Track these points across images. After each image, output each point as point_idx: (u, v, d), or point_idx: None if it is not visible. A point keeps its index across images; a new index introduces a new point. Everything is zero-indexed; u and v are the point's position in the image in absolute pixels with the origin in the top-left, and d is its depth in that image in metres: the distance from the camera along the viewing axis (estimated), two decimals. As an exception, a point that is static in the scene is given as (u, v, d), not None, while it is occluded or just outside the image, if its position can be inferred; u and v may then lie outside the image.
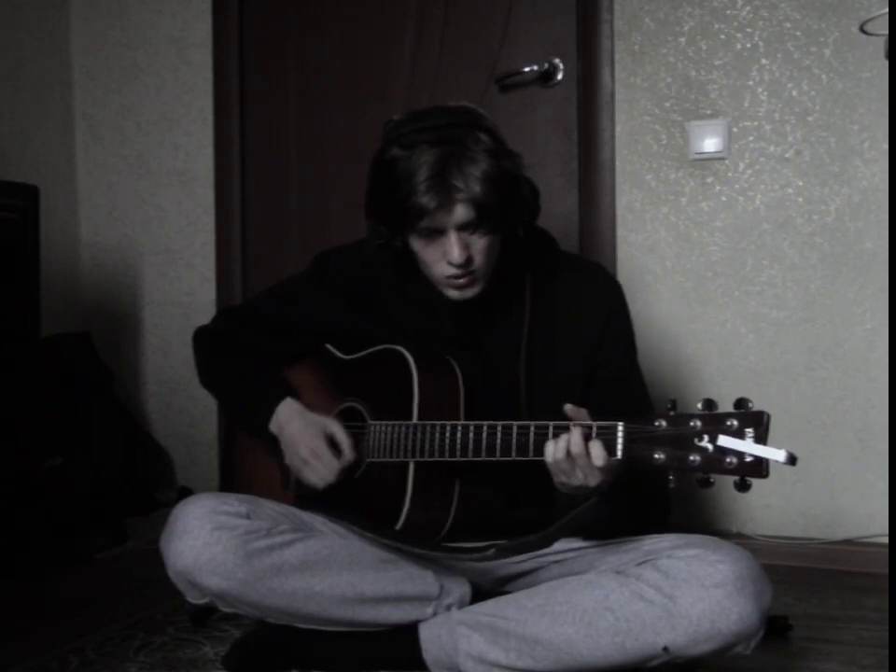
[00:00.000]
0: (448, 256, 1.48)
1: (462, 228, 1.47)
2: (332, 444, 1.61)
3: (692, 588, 1.37)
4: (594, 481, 1.34)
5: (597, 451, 1.31)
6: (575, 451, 1.32)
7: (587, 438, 1.32)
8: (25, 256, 2.28)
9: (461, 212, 1.45)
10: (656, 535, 1.51)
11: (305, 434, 1.62)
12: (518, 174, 1.51)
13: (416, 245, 1.51)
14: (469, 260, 1.48)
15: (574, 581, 1.47)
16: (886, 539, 2.17)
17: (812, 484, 2.31)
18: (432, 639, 1.50)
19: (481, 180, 1.43)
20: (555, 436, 1.35)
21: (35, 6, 2.85)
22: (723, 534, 2.27)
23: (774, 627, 1.69)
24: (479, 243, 1.49)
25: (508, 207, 1.48)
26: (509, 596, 1.52)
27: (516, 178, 1.51)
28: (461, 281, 1.51)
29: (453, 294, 1.54)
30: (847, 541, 2.27)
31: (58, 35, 2.93)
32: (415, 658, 1.51)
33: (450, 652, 1.48)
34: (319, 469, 1.60)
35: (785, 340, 2.33)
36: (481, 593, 1.57)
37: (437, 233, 1.48)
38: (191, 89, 2.86)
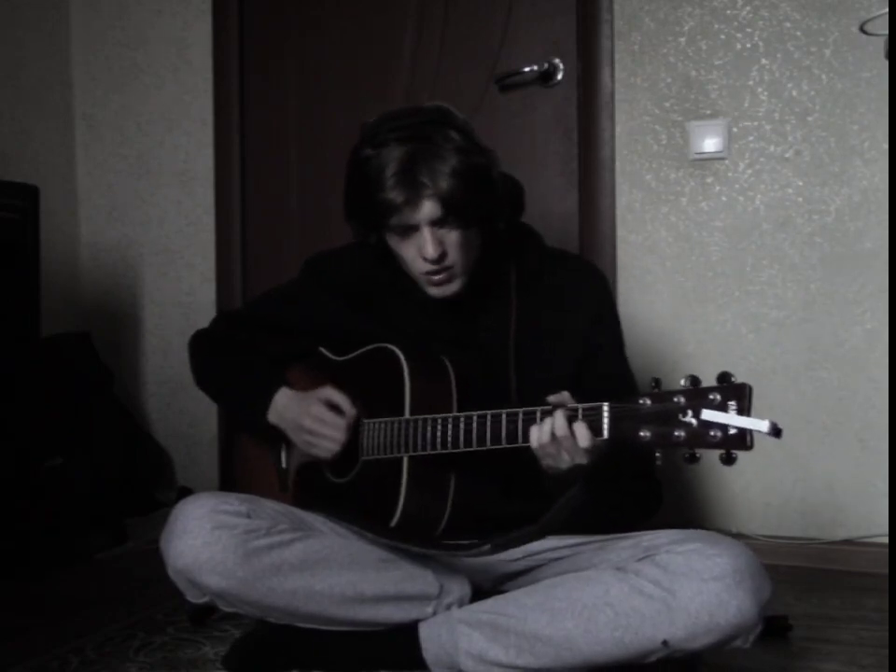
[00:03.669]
0: (422, 251, 1.50)
1: (434, 223, 1.48)
2: (332, 408, 1.62)
3: (690, 582, 1.37)
4: (581, 459, 1.35)
5: (582, 431, 1.32)
6: (560, 433, 1.34)
7: (571, 420, 1.34)
8: (25, 256, 2.28)
9: (429, 207, 1.47)
10: (654, 530, 1.51)
11: (303, 407, 1.63)
12: (491, 168, 1.53)
13: (392, 242, 1.54)
14: (443, 256, 1.50)
15: (573, 578, 1.47)
16: (886, 539, 2.17)
17: (812, 484, 2.31)
18: (432, 638, 1.50)
19: (448, 175, 1.45)
20: (541, 421, 1.36)
21: (35, 6, 2.85)
22: (723, 533, 2.25)
23: (774, 627, 1.69)
24: (451, 237, 1.50)
25: (478, 202, 1.50)
26: (508, 594, 1.52)
27: (488, 173, 1.52)
28: (438, 277, 1.53)
29: (433, 291, 1.55)
30: (847, 541, 2.27)
31: (58, 35, 2.93)
32: (415, 657, 1.51)
33: (450, 651, 1.48)
34: (327, 433, 1.60)
35: (785, 340, 2.33)
36: (481, 592, 1.57)
37: (411, 230, 1.50)
38: (191, 89, 2.86)
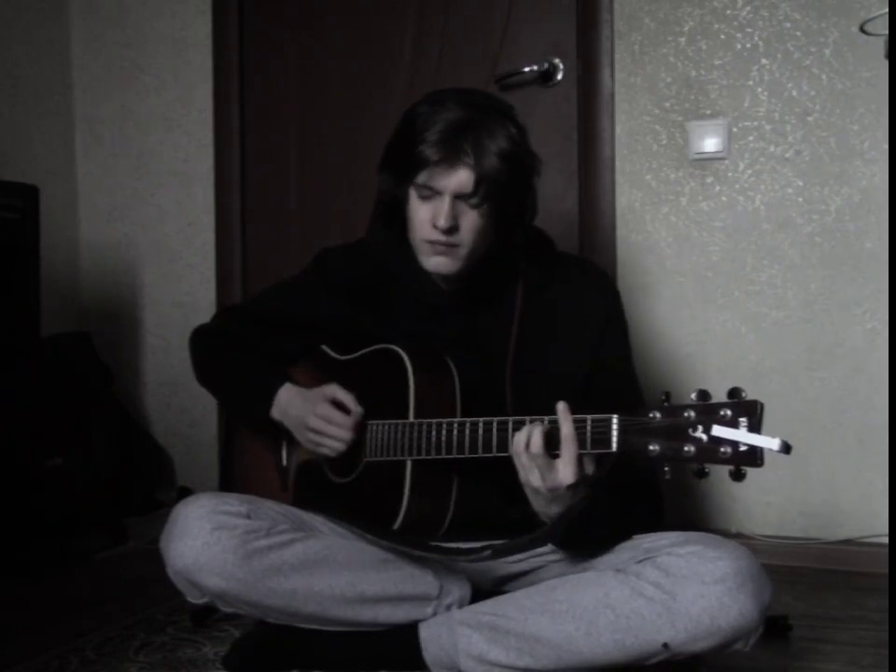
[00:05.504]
0: (435, 219, 1.49)
1: (459, 196, 1.48)
2: (337, 405, 1.61)
3: (691, 585, 1.37)
4: (549, 485, 1.34)
5: (567, 471, 1.32)
6: (533, 450, 1.34)
7: (548, 438, 1.33)
8: (25, 256, 2.28)
9: (462, 176, 1.46)
10: (655, 533, 1.51)
11: (308, 406, 1.62)
12: (533, 173, 1.54)
13: (413, 201, 1.52)
14: (453, 229, 1.49)
15: (574, 580, 1.47)
16: (886, 539, 2.17)
17: (812, 484, 2.31)
18: (432, 639, 1.50)
19: (494, 155, 1.45)
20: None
21: (35, 6, 2.85)
22: (723, 533, 2.27)
23: (774, 627, 1.69)
24: (469, 216, 1.49)
25: (510, 197, 1.49)
26: (508, 595, 1.52)
27: (529, 175, 1.53)
28: (440, 248, 1.51)
29: (430, 262, 1.54)
30: (847, 541, 2.27)
31: (58, 36, 2.93)
32: (415, 658, 1.51)
33: (450, 652, 1.48)
34: (333, 432, 1.59)
35: (785, 339, 2.33)
36: (481, 592, 1.57)
37: (434, 194, 1.49)
38: (191, 89, 2.86)
